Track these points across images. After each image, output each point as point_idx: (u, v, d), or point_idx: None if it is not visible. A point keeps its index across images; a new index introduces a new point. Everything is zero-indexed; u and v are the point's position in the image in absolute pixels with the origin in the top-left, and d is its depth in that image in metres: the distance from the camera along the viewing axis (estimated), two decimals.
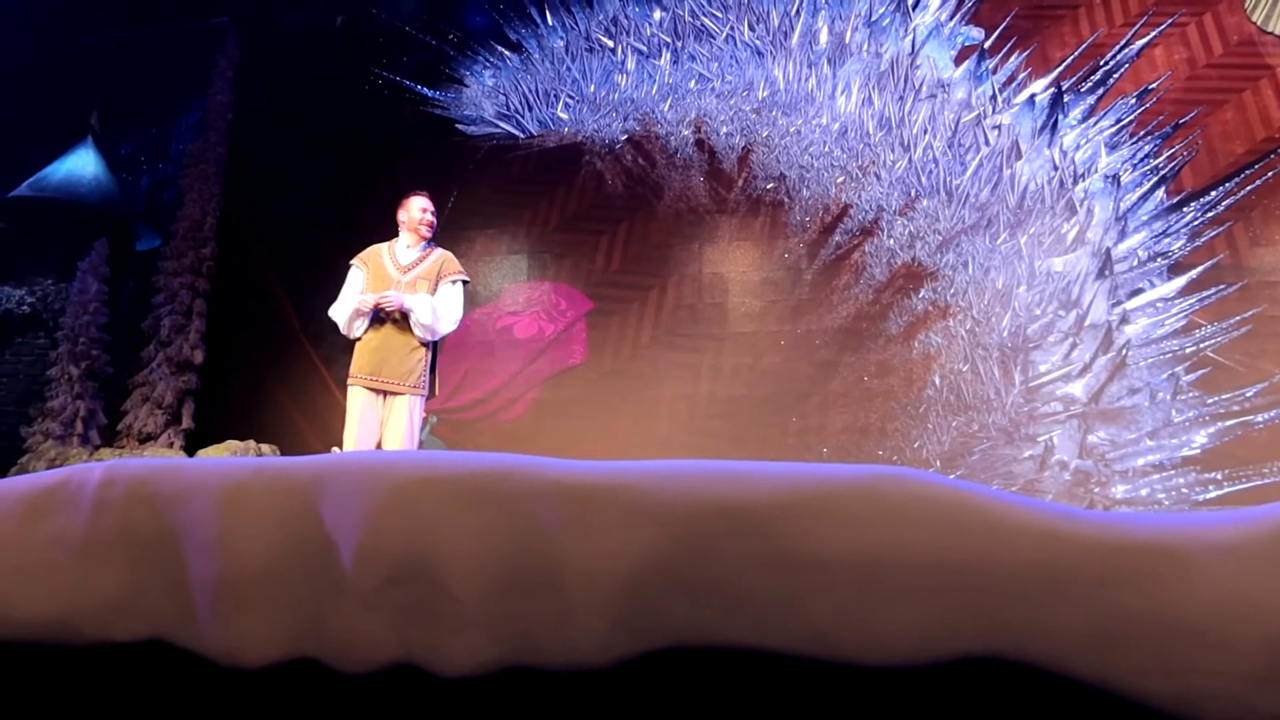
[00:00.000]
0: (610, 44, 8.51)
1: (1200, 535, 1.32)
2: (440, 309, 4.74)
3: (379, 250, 4.89)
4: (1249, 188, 6.56)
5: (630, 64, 8.42)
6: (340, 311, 4.77)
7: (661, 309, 7.24)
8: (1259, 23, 7.65)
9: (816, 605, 1.36)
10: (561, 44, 8.69)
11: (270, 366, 7.59)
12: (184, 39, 9.72)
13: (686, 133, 8.07)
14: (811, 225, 7.27)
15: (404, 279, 4.78)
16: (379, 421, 4.74)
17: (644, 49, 8.41)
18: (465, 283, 4.91)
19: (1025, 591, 1.26)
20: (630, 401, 6.87)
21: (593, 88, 8.45)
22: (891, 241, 6.94)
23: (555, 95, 8.48)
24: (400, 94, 8.75)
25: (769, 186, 7.56)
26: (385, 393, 4.72)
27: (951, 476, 5.60)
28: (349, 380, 4.71)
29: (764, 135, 7.78)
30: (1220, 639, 1.26)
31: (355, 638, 1.57)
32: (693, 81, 8.25)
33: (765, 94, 7.95)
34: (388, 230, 4.97)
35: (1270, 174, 6.65)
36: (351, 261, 4.90)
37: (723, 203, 7.64)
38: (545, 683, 1.46)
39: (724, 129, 7.94)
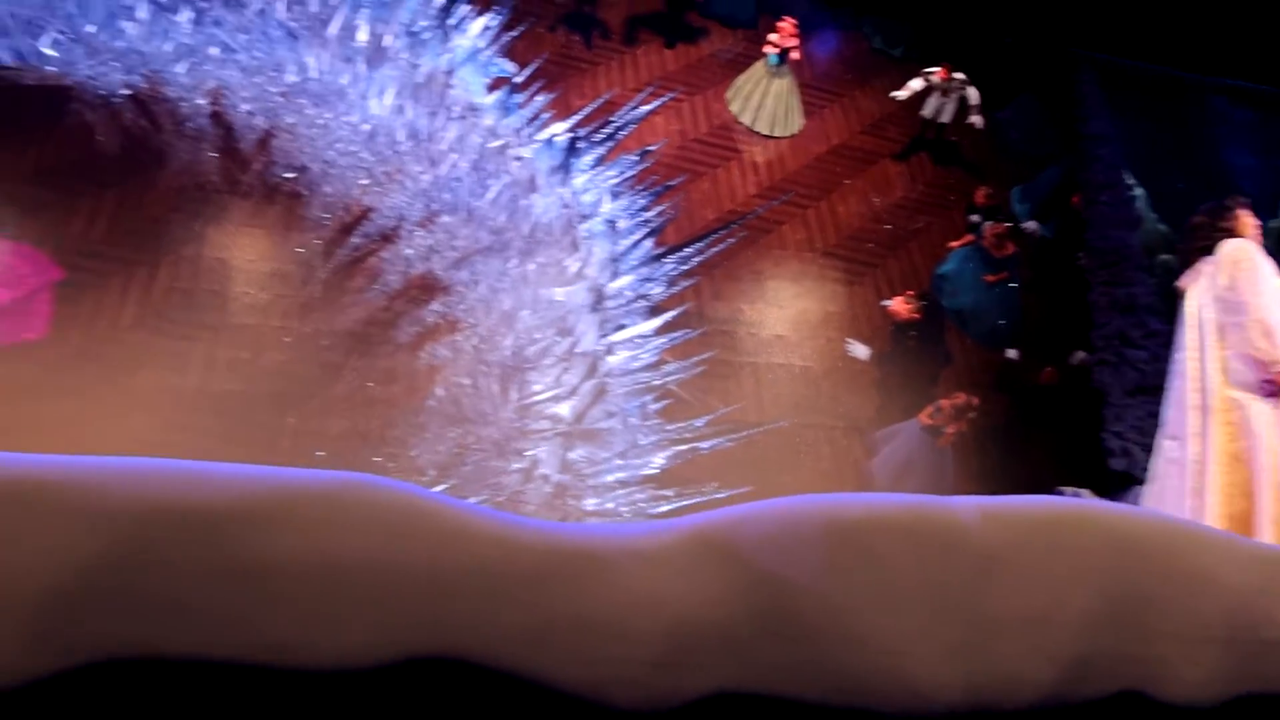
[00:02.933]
0: None
1: (622, 542, 1.54)
2: None
3: None
4: (715, 250, 7.72)
5: (143, 13, 7.52)
6: None
7: (150, 289, 6.52)
8: (735, 113, 9.08)
9: (270, 614, 1.34)
10: None
11: None
12: None
13: (202, 102, 7.42)
14: (330, 223, 7.07)
15: None
16: None
17: (161, 0, 7.58)
18: None
19: (470, 594, 1.37)
20: (102, 389, 6.08)
21: (92, 29, 7.40)
22: (410, 251, 7.01)
23: (41, 27, 7.28)
24: None
25: (288, 175, 7.22)
26: None
27: (444, 486, 5.79)
28: None
29: (289, 121, 7.42)
30: (627, 632, 1.48)
31: None
32: (215, 49, 7.61)
33: (295, 79, 7.59)
34: None
35: (731, 240, 7.90)
36: None
37: (235, 184, 7.12)
38: None
39: (245, 106, 7.43)
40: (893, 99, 9.19)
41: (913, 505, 1.75)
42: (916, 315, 7.64)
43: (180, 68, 7.45)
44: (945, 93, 9.09)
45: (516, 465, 6.08)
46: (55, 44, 7.25)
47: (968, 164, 9.50)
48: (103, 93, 7.23)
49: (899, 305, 7.72)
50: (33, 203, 6.68)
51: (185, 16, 7.56)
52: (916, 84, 9.08)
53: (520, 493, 5.97)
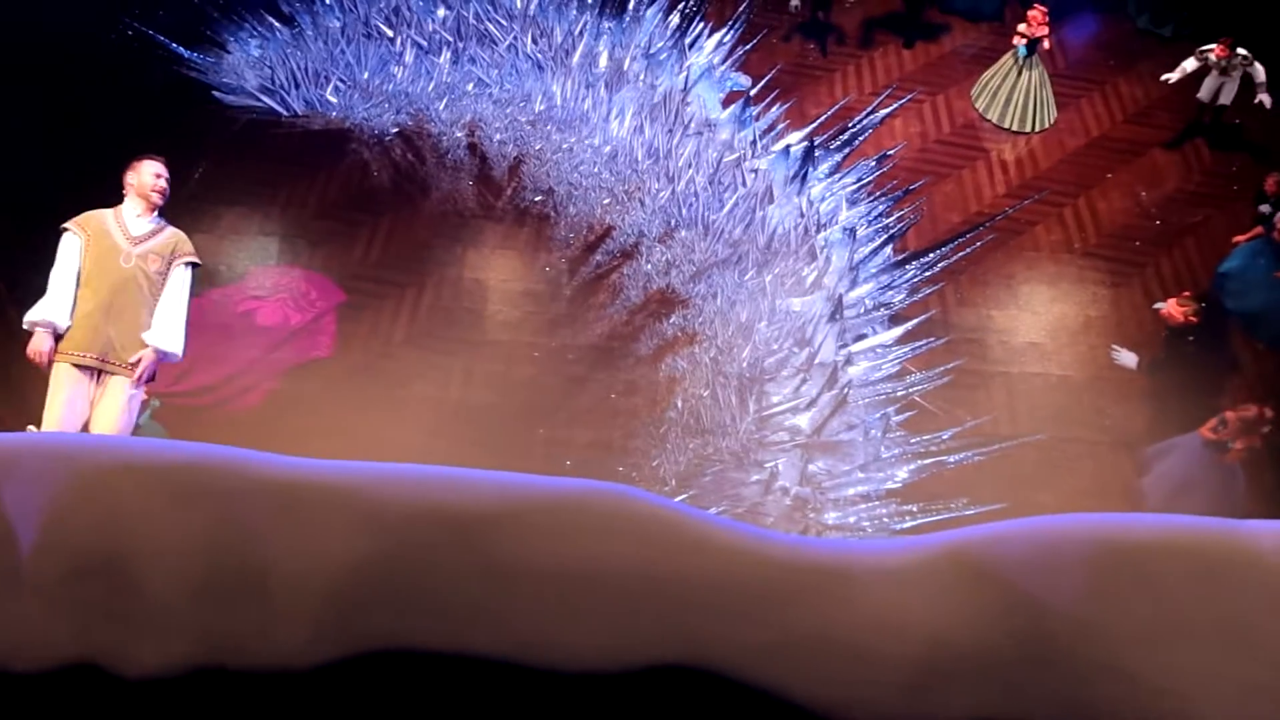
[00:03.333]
0: (390, 33, 8.29)
1: (869, 560, 1.49)
2: (176, 313, 4.45)
3: (102, 216, 4.44)
4: (960, 254, 7.37)
5: (408, 57, 8.25)
6: (55, 297, 4.30)
7: (418, 309, 7.10)
8: (980, 110, 8.64)
9: (522, 615, 1.41)
10: (338, 25, 8.36)
11: None
12: None
13: (460, 134, 8.00)
14: (575, 242, 7.41)
15: (135, 250, 4.39)
16: (89, 403, 4.33)
17: (424, 44, 8.26)
18: (197, 266, 4.62)
19: (715, 606, 1.37)
20: (376, 401, 6.67)
21: (366, 75, 8.19)
22: (649, 267, 7.21)
23: (326, 77, 8.14)
24: (151, 49, 8.06)
25: (537, 199, 7.64)
26: (99, 372, 4.32)
27: (684, 496, 5.88)
28: (56, 355, 4.27)
29: (537, 148, 7.85)
30: (876, 653, 1.42)
31: (28, 635, 1.45)
32: (471, 84, 8.20)
33: (542, 107, 8.03)
34: (117, 195, 4.57)
35: (978, 244, 7.50)
36: (66, 225, 4.41)
37: (489, 209, 7.62)
38: (240, 684, 1.42)
39: (498, 136, 7.94)
40: (1163, 83, 8.41)
41: (1198, 528, 1.58)
42: (1194, 319, 6.91)
43: (441, 104, 8.08)
44: (1225, 71, 8.20)
45: (756, 477, 6.07)
46: (336, 91, 8.09)
47: (1254, 149, 8.52)
48: (376, 132, 7.98)
49: (1173, 308, 7.01)
50: (319, 234, 7.46)
51: (445, 57, 8.21)
52: (1190, 64, 8.27)
53: (759, 504, 5.95)
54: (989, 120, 8.60)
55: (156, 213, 4.53)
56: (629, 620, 1.38)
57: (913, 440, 6.38)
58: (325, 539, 1.38)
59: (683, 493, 5.98)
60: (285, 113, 7.99)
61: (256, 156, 7.79)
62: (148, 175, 4.46)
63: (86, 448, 1.44)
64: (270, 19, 8.33)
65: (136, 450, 1.43)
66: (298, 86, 8.04)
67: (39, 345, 4.24)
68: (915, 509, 6.11)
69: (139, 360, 4.34)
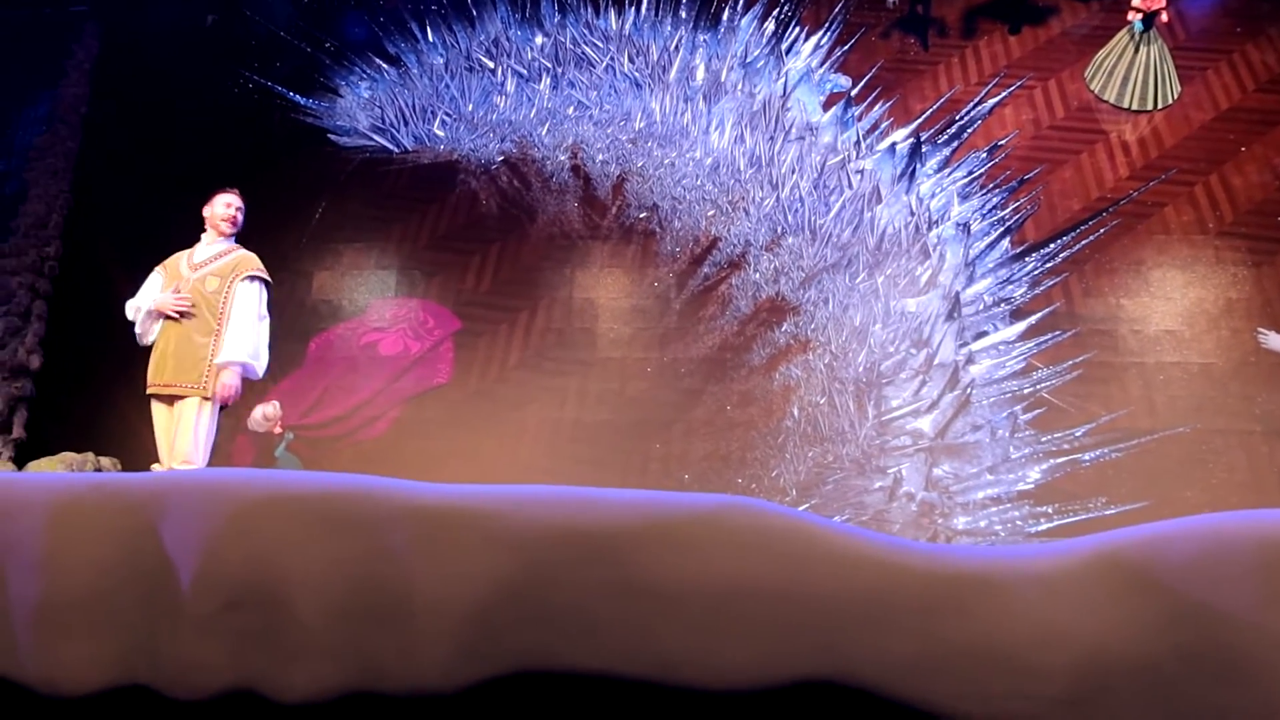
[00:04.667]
0: (490, 65, 8.49)
1: (1017, 567, 1.43)
2: (243, 326, 4.51)
3: (180, 254, 4.71)
4: (1083, 242, 7.06)
5: (510, 86, 8.42)
6: (136, 315, 4.59)
7: (530, 331, 7.23)
8: (1096, 91, 8.28)
9: (662, 632, 1.40)
10: (441, 61, 8.62)
11: (115, 375, 7.17)
12: (38, 26, 9.17)
13: (563, 158, 8.12)
14: (681, 256, 7.42)
15: (193, 275, 4.56)
16: None
17: (524, 72, 8.43)
18: (266, 283, 4.69)
19: (858, 619, 1.33)
20: (495, 423, 6.82)
21: (470, 107, 8.40)
22: (757, 275, 7.15)
23: (432, 112, 8.40)
24: (271, 100, 8.47)
25: (641, 216, 7.68)
26: (174, 398, 4.51)
27: (805, 505, 5.79)
28: (147, 390, 4.54)
29: (639, 165, 7.90)
30: (1029, 666, 1.36)
31: (190, 663, 1.51)
32: (571, 108, 8.31)
33: (642, 125, 8.08)
34: (245, 237, 4.79)
35: (1102, 230, 7.17)
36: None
37: (596, 229, 7.71)
38: (388, 707, 1.45)
39: (600, 157, 8.03)
40: None
41: None
42: None
43: (543, 130, 8.22)
44: None
45: (879, 483, 5.94)
46: (443, 125, 8.33)
47: None
48: (483, 162, 8.18)
49: None
50: (433, 264, 7.69)
51: (544, 83, 8.36)
52: None
53: (885, 511, 5.82)
54: (1106, 101, 8.23)
55: (232, 238, 4.71)
56: (773, 636, 1.35)
57: (1043, 439, 6.13)
58: (467, 562, 1.41)
59: (804, 502, 5.89)
60: (396, 149, 8.28)
61: (371, 194, 8.09)
62: (219, 205, 4.69)
63: (237, 483, 1.50)
64: (378, 60, 8.65)
65: (283, 483, 1.48)
66: (406, 123, 8.32)
67: None
68: (1050, 510, 5.87)
69: (220, 383, 4.45)
